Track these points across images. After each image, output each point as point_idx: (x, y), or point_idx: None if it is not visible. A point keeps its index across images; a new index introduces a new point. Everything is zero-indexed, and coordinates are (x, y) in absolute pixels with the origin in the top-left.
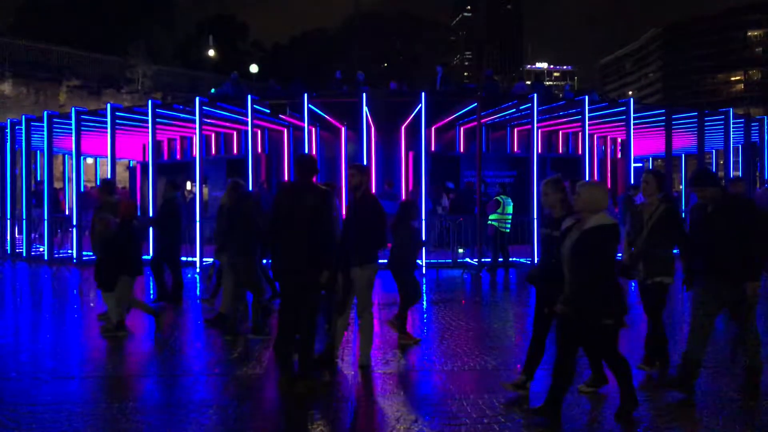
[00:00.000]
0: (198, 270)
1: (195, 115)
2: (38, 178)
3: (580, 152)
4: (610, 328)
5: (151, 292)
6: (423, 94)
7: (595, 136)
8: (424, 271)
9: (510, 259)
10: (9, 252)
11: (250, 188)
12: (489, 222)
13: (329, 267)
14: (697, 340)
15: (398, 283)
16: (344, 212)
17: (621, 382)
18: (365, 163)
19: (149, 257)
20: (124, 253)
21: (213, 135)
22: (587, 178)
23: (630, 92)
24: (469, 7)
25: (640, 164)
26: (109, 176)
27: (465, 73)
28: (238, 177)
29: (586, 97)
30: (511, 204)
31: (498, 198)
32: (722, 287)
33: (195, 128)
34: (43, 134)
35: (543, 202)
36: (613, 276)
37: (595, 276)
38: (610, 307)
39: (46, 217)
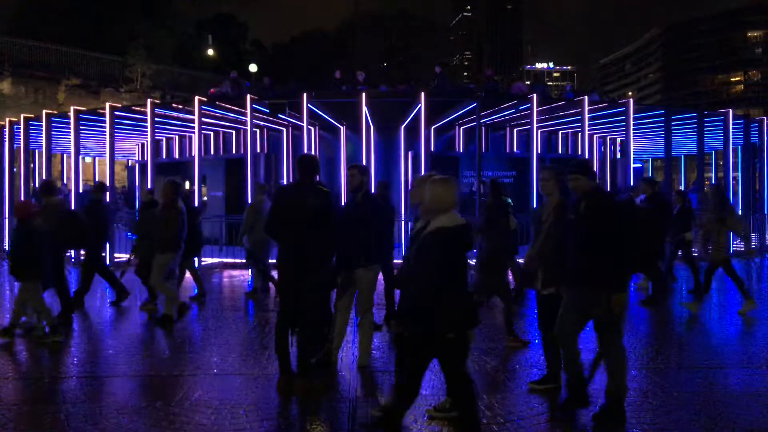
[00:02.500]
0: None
1: (194, 115)
2: (35, 178)
3: (579, 153)
4: (452, 342)
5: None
6: (422, 94)
7: (595, 136)
8: None
9: None
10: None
11: (249, 188)
12: None
13: (331, 267)
14: (564, 359)
15: (496, 289)
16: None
17: (462, 408)
18: (364, 163)
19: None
20: (20, 255)
21: (212, 134)
22: None
23: (630, 92)
24: (469, 7)
25: (639, 165)
26: (107, 176)
27: (465, 73)
28: (237, 176)
29: (586, 98)
30: (511, 204)
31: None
32: (585, 298)
33: (194, 128)
34: (41, 133)
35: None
36: (459, 285)
37: (437, 283)
38: (453, 319)
39: None
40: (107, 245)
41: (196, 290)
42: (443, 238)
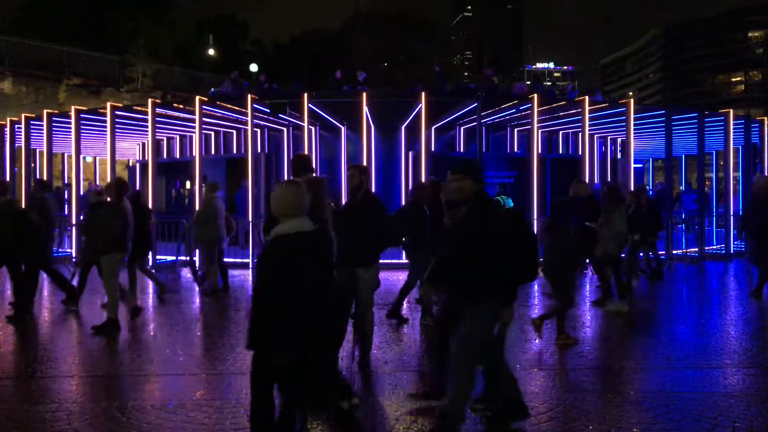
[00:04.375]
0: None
1: (195, 115)
2: (38, 177)
3: (580, 153)
4: (289, 366)
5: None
6: (423, 94)
7: (596, 136)
8: None
9: None
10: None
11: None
12: None
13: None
14: (460, 388)
15: (553, 286)
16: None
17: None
18: (365, 163)
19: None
20: None
21: (213, 134)
22: (587, 179)
23: (630, 93)
24: (469, 6)
25: (640, 165)
26: (109, 176)
27: (465, 73)
28: (238, 176)
29: (586, 98)
30: (512, 204)
31: (498, 198)
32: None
33: (195, 127)
34: (42, 133)
35: None
36: (299, 297)
37: (271, 298)
38: (288, 340)
39: None
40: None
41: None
42: (281, 247)
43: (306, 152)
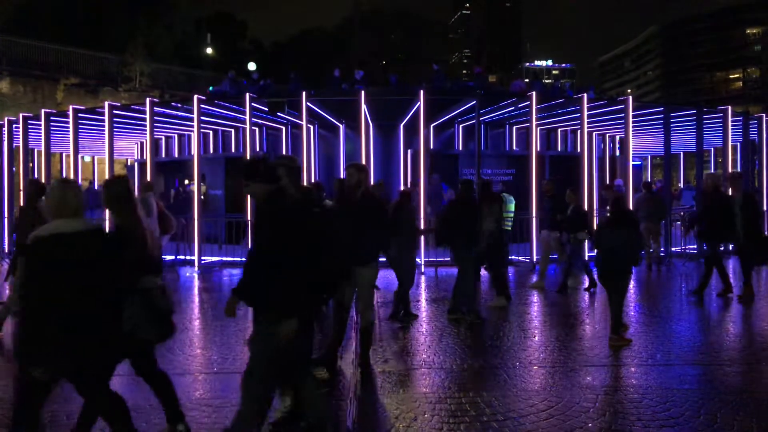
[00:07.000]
0: (197, 269)
1: (193, 114)
2: (36, 177)
3: (578, 150)
4: (40, 379)
5: None
6: (421, 92)
7: (594, 133)
8: (422, 270)
9: (509, 258)
10: (6, 251)
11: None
12: None
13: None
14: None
15: (612, 289)
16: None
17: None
18: (363, 161)
19: None
20: None
21: (211, 133)
22: (585, 177)
23: (629, 90)
24: (468, 4)
25: (638, 162)
26: (107, 175)
27: (464, 71)
28: (236, 175)
29: (585, 95)
30: (513, 202)
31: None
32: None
33: (193, 126)
34: (40, 132)
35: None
36: (53, 306)
37: (24, 305)
38: (37, 352)
39: None
40: None
41: None
42: (33, 251)
43: (283, 154)
